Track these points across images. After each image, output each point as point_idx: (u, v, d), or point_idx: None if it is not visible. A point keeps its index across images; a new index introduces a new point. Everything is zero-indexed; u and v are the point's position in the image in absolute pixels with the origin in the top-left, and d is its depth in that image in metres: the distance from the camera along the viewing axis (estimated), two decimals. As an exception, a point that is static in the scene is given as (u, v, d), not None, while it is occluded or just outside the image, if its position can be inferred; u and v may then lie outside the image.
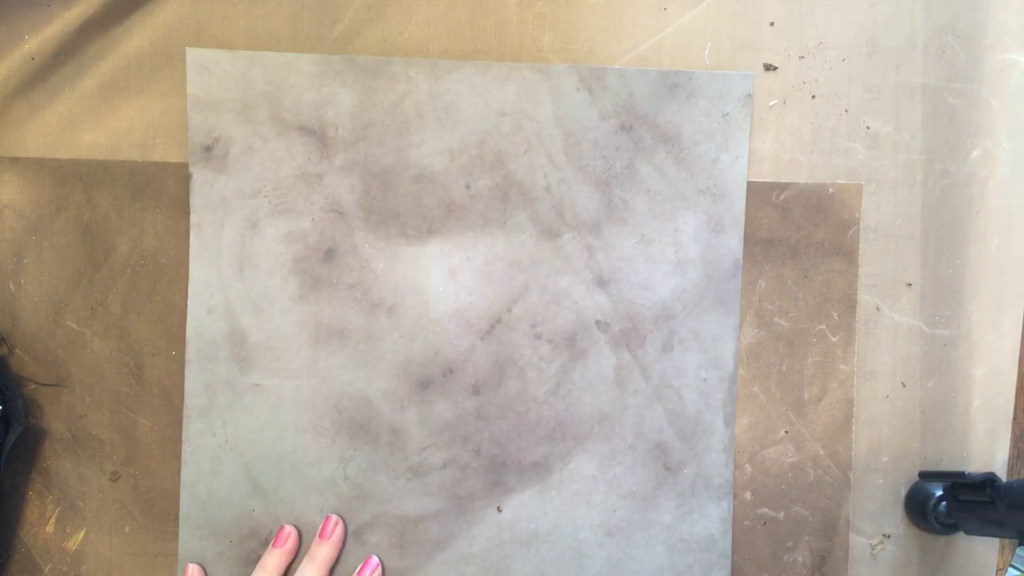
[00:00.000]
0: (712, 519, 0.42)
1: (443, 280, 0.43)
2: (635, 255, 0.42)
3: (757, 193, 0.43)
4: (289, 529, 0.42)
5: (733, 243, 0.42)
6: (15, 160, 0.44)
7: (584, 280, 0.42)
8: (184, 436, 0.43)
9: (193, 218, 0.42)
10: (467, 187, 0.42)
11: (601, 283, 0.42)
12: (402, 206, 0.42)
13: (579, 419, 0.43)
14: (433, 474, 0.43)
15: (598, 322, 0.43)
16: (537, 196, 0.42)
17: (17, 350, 0.44)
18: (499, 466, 0.43)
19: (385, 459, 0.43)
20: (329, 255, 0.42)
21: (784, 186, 0.43)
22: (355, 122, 0.42)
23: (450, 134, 0.42)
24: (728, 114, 0.42)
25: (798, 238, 0.43)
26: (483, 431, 0.43)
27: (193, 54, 0.42)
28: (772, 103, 0.43)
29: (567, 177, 0.42)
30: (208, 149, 0.42)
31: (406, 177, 0.42)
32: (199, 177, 0.42)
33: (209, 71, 0.42)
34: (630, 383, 0.43)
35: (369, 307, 0.43)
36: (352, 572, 0.43)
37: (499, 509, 0.43)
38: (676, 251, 0.42)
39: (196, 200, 0.42)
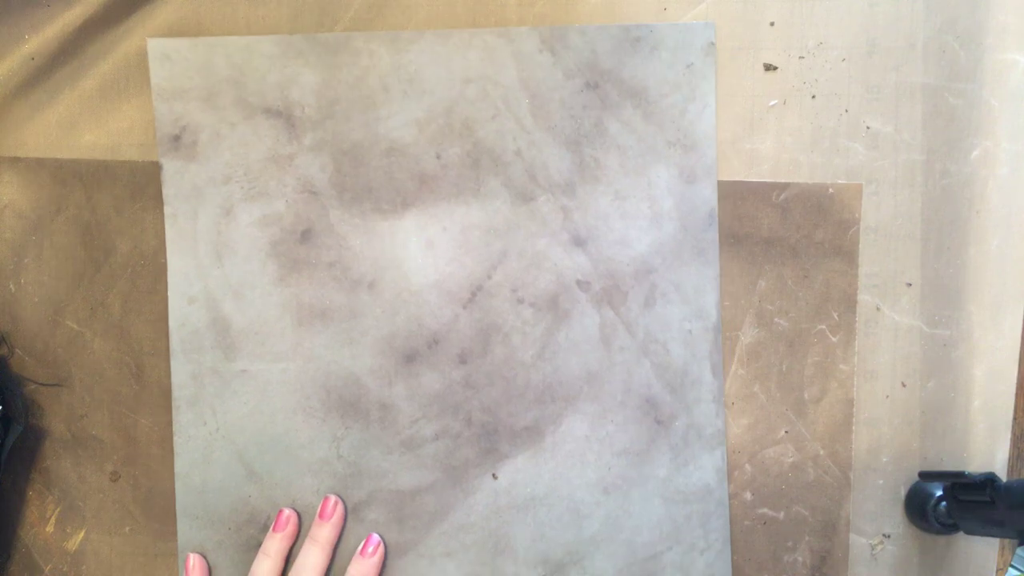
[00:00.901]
0: (707, 469, 0.42)
1: (421, 252, 0.43)
2: (610, 212, 0.42)
3: (757, 193, 0.43)
4: (288, 512, 0.42)
5: (707, 193, 0.42)
6: (15, 160, 0.44)
7: (561, 241, 0.42)
8: (175, 427, 0.43)
9: (167, 209, 0.43)
10: (438, 157, 0.42)
11: (579, 243, 0.42)
12: (374, 181, 0.42)
13: (567, 380, 0.43)
14: (426, 446, 0.43)
15: (579, 282, 0.42)
16: (508, 161, 0.42)
17: (17, 350, 0.45)
18: (491, 433, 0.43)
19: (377, 435, 0.43)
20: (305, 236, 0.43)
21: (784, 186, 0.43)
22: (320, 100, 0.42)
23: (416, 105, 0.42)
24: (692, 64, 0.42)
25: (798, 238, 0.43)
26: (472, 399, 0.43)
27: (154, 44, 0.42)
28: (772, 103, 0.43)
29: (537, 140, 0.42)
30: (176, 139, 0.42)
31: (376, 152, 0.42)
32: (169, 167, 0.42)
33: (171, 60, 0.42)
34: (615, 340, 0.42)
35: (349, 284, 0.43)
36: (353, 550, 0.43)
37: (494, 476, 0.43)
38: (651, 205, 0.42)
39: (169, 191, 0.42)
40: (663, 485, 0.42)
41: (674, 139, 0.42)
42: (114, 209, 0.44)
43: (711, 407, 0.42)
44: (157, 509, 0.44)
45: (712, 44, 0.42)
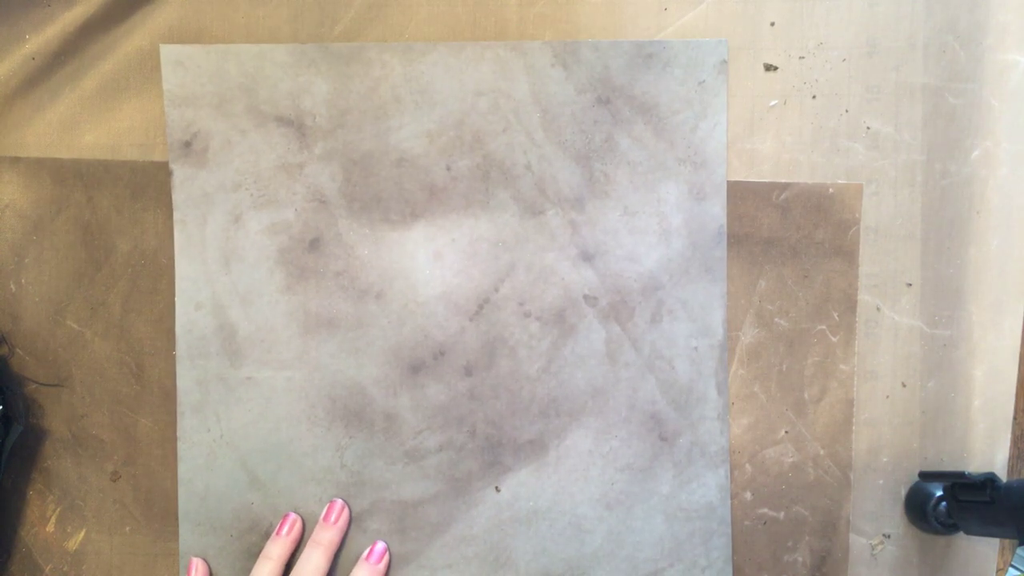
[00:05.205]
0: (710, 487, 0.42)
1: (429, 263, 0.43)
2: (619, 228, 0.42)
3: (757, 193, 0.43)
4: (294, 516, 0.42)
5: (716, 210, 0.42)
6: (15, 160, 0.44)
7: (569, 255, 0.42)
8: (179, 433, 0.43)
9: (176, 215, 0.42)
10: (448, 169, 0.42)
11: (587, 257, 0.42)
12: (384, 191, 0.42)
13: (572, 395, 0.43)
14: (429, 457, 0.43)
15: (586, 297, 0.42)
16: (518, 174, 0.42)
17: (18, 350, 0.45)
18: (495, 446, 0.43)
19: (381, 445, 0.43)
20: (314, 244, 0.43)
21: (784, 186, 0.43)
22: (332, 109, 0.42)
23: (428, 116, 0.42)
24: (704, 81, 0.42)
25: (798, 238, 0.43)
26: (477, 412, 0.43)
27: (167, 50, 0.42)
28: (772, 103, 0.43)
29: (547, 154, 0.42)
30: (187, 145, 0.42)
31: (386, 162, 0.42)
32: (180, 173, 0.42)
33: (184, 66, 0.42)
34: (621, 356, 0.42)
35: (357, 294, 0.43)
36: (354, 559, 0.43)
37: (497, 489, 0.43)
38: (660, 221, 0.42)
39: (178, 196, 0.42)
40: (666, 502, 0.42)
41: (684, 156, 0.42)
42: (114, 209, 0.44)
43: (715, 425, 0.42)
44: (157, 509, 0.44)
45: (724, 62, 0.42)
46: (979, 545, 0.44)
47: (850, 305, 0.43)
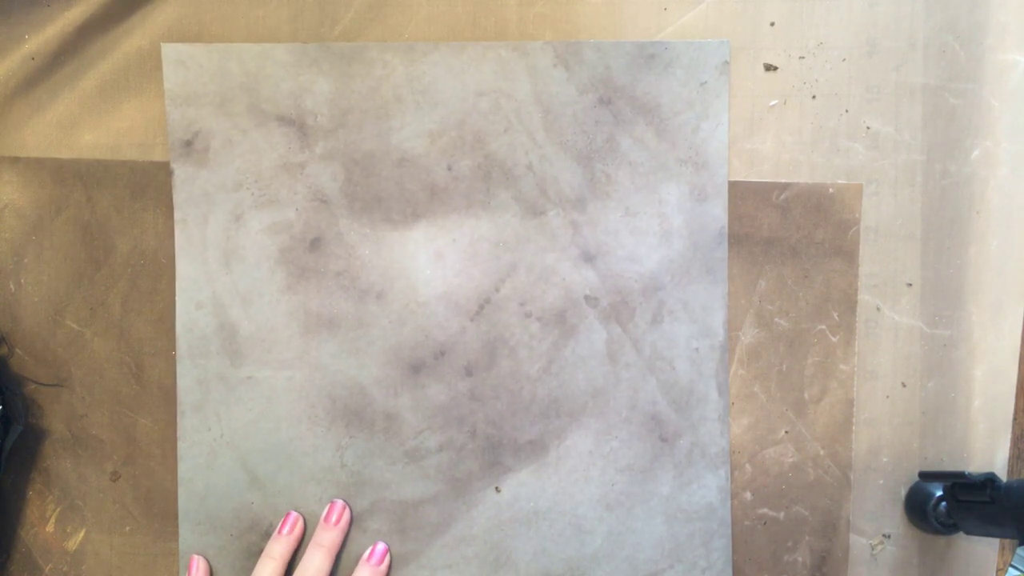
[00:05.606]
0: (710, 488, 0.42)
1: (430, 263, 0.43)
2: (620, 228, 0.42)
3: (757, 193, 0.43)
4: (295, 515, 0.42)
5: (718, 211, 0.42)
6: (15, 160, 0.44)
7: (571, 256, 0.42)
8: (179, 432, 0.43)
9: (177, 214, 0.42)
10: (449, 169, 0.42)
11: (588, 258, 0.42)
12: (385, 191, 0.42)
13: (573, 395, 0.43)
14: (430, 457, 0.43)
15: (587, 297, 0.42)
16: (519, 174, 0.42)
17: (17, 350, 0.45)
18: (495, 446, 0.43)
19: (381, 445, 0.43)
20: (315, 244, 0.43)
21: (784, 186, 0.43)
22: (333, 109, 0.42)
23: (429, 116, 0.42)
24: (706, 83, 0.42)
25: (798, 238, 0.43)
26: (477, 412, 0.43)
27: (168, 49, 0.42)
28: (772, 103, 0.43)
29: (548, 154, 0.42)
30: (188, 144, 0.42)
31: (388, 162, 0.42)
32: (181, 172, 0.42)
33: (185, 66, 0.42)
34: (622, 357, 0.42)
35: (358, 294, 0.43)
36: (355, 559, 0.43)
37: (497, 489, 0.43)
38: (661, 222, 0.42)
39: (179, 196, 0.42)
40: (666, 503, 0.42)
41: (686, 157, 0.42)
42: (114, 209, 0.44)
43: (716, 426, 0.42)
44: (157, 509, 0.44)
45: (726, 63, 0.42)
46: (979, 545, 0.44)
47: (850, 305, 0.43)
